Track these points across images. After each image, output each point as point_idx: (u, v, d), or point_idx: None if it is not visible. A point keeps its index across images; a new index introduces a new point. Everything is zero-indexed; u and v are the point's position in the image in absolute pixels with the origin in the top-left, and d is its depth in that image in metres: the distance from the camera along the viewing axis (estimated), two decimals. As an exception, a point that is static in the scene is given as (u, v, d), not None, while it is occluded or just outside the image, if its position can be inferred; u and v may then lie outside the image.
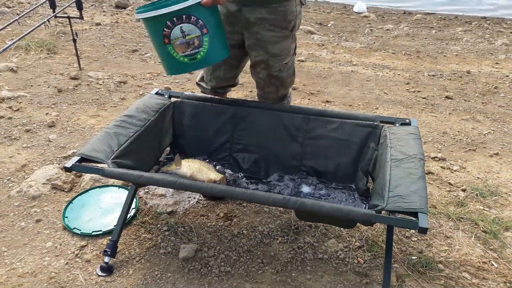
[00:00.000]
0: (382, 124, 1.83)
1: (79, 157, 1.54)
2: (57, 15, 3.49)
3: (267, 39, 1.84)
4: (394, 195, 1.37)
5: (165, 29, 1.59)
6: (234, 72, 2.05)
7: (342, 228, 1.96)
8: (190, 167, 1.84)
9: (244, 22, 1.83)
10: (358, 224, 1.68)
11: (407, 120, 1.83)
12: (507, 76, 4.12)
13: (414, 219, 1.28)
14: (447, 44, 5.36)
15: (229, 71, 2.02)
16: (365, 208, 1.72)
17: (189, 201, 2.15)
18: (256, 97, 2.15)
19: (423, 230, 1.24)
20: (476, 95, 3.67)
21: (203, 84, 2.11)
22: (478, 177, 2.44)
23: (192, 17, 1.58)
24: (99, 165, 1.54)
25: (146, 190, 2.20)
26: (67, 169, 1.51)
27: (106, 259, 1.71)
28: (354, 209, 1.35)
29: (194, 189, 1.55)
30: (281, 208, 2.08)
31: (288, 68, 1.96)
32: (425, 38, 5.64)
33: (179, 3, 1.54)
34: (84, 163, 1.54)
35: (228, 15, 1.84)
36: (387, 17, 7.01)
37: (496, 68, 4.39)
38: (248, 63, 2.04)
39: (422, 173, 1.46)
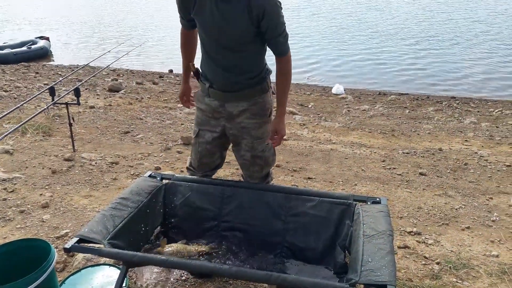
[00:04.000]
0: (355, 202, 2.02)
1: (77, 238, 1.67)
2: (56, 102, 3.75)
3: (250, 126, 2.09)
4: (366, 269, 1.52)
5: None
6: (219, 160, 2.28)
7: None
8: (176, 247, 1.99)
9: (227, 115, 2.09)
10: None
11: (378, 199, 2.02)
12: (475, 153, 4.42)
13: (384, 291, 1.42)
14: (420, 123, 5.76)
15: (215, 158, 2.25)
16: (343, 282, 1.84)
17: (177, 279, 2.23)
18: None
19: (392, 301, 1.37)
20: (448, 171, 3.92)
21: (192, 169, 2.31)
22: (451, 250, 2.59)
23: None
24: (96, 245, 1.67)
25: (137, 268, 2.28)
26: (66, 250, 1.63)
27: (97, 338, 1.76)
28: (331, 283, 1.49)
29: (183, 267, 1.68)
30: (266, 285, 2.17)
31: (270, 148, 2.19)
32: (399, 117, 6.06)
33: None
34: (82, 244, 1.67)
35: (213, 111, 2.11)
36: (363, 98, 7.53)
37: (466, 145, 4.72)
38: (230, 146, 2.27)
39: (391, 248, 1.62)
